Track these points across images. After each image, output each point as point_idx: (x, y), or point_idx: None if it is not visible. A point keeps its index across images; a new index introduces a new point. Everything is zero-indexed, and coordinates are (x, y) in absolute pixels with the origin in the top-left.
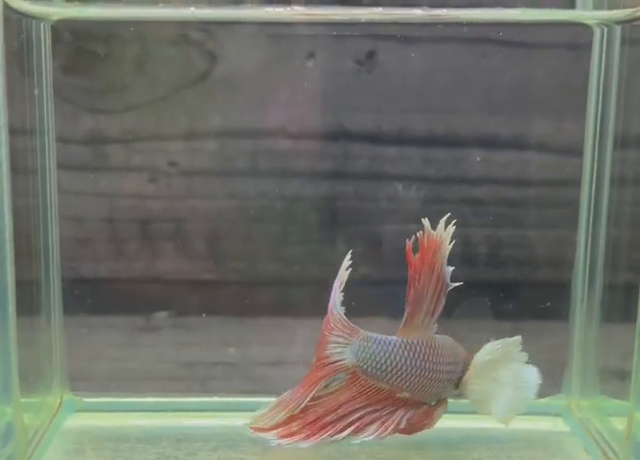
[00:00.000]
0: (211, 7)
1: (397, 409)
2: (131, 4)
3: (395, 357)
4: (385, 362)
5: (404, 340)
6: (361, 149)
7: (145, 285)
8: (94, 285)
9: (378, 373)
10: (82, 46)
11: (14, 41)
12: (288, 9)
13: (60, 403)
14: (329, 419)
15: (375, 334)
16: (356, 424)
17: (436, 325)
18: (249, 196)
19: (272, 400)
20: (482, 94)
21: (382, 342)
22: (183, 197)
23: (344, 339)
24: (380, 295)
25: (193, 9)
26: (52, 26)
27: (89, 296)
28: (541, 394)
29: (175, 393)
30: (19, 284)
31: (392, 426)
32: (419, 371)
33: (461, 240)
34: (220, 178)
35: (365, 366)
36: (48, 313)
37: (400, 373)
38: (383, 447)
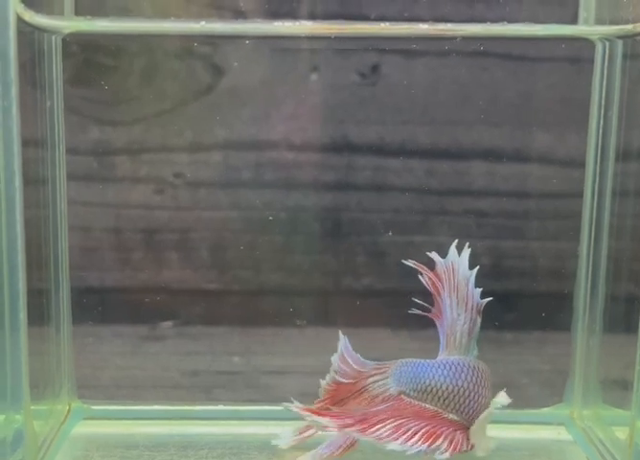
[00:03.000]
0: (221, 21)
1: (455, 430)
2: (142, 18)
3: (434, 377)
4: (425, 382)
5: (444, 361)
6: (365, 161)
7: (151, 294)
8: (101, 294)
9: (422, 395)
10: (91, 59)
11: (27, 54)
12: (297, 23)
13: (69, 411)
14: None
15: (412, 359)
16: (419, 432)
17: (476, 349)
18: (254, 207)
19: (276, 408)
20: (486, 107)
21: (421, 364)
22: (189, 208)
23: (382, 374)
24: (383, 306)
25: (203, 23)
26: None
27: (96, 306)
28: (544, 403)
29: (181, 401)
30: (30, 293)
31: (458, 447)
32: (462, 391)
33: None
34: (225, 189)
35: (408, 390)
36: (57, 322)
37: (441, 393)
38: (382, 454)
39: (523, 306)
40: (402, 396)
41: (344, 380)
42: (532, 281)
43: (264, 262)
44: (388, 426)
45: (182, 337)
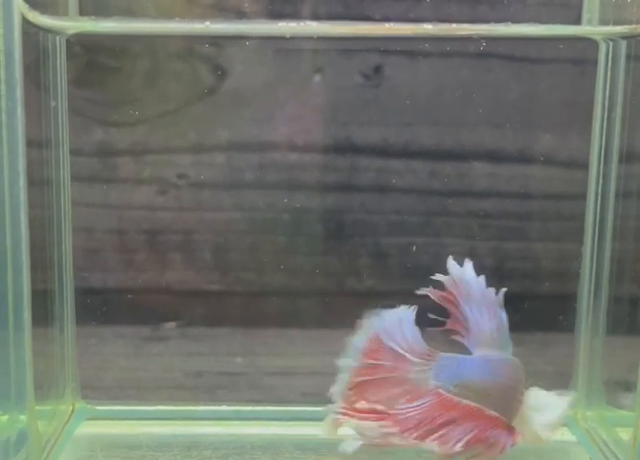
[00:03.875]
0: (225, 22)
1: (498, 430)
2: (146, 18)
3: (475, 373)
4: (466, 378)
5: (484, 357)
6: (368, 163)
7: (154, 295)
8: (105, 295)
9: (463, 390)
10: (95, 60)
11: (31, 54)
12: (301, 23)
13: (72, 411)
14: (430, 427)
15: (453, 354)
16: (465, 437)
17: (511, 344)
18: (257, 208)
19: (279, 408)
20: (489, 108)
21: (462, 360)
22: (192, 209)
23: (425, 363)
24: (386, 307)
25: (207, 23)
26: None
27: (100, 306)
28: None
29: (184, 402)
30: (34, 294)
31: (506, 447)
32: (500, 387)
33: (467, 252)
34: (229, 191)
35: (448, 385)
36: (61, 323)
37: (482, 389)
38: (387, 453)
39: (526, 307)
40: (441, 390)
41: (386, 363)
42: (535, 282)
43: (267, 263)
44: (442, 433)
45: (185, 338)
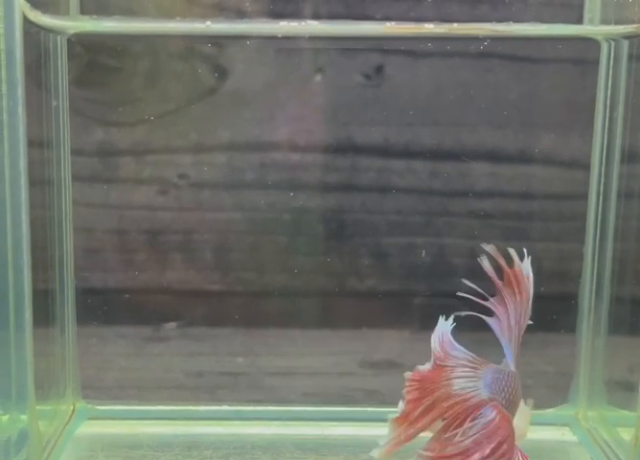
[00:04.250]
0: (226, 21)
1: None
2: (147, 18)
3: (515, 386)
4: (508, 391)
5: (516, 370)
6: (369, 163)
7: (154, 295)
8: (105, 295)
9: (510, 405)
10: (96, 59)
11: (32, 54)
12: (302, 23)
13: (73, 411)
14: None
15: (499, 366)
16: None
17: None
18: (257, 209)
19: (279, 408)
20: (491, 108)
21: (509, 373)
22: (192, 209)
23: (473, 372)
24: (387, 307)
25: (208, 23)
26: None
27: (101, 306)
28: (549, 404)
29: (185, 401)
30: (35, 294)
31: None
32: (520, 398)
33: (468, 252)
34: (229, 191)
35: (500, 398)
36: (62, 323)
37: (516, 402)
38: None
39: None
40: (497, 404)
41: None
42: (537, 282)
43: (268, 263)
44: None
45: (186, 338)
